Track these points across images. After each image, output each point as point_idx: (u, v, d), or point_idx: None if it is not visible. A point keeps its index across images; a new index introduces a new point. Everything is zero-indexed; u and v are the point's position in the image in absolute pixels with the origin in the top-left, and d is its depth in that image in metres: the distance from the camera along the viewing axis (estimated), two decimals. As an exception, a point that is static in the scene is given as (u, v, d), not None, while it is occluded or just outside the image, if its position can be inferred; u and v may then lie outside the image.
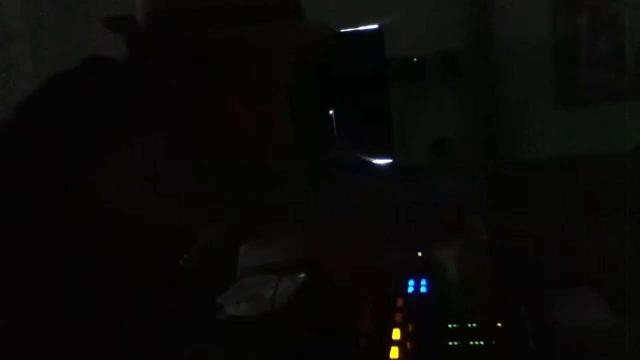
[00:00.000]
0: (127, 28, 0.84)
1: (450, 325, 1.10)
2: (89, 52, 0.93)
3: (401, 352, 1.02)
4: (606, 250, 2.41)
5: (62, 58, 0.92)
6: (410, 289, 1.29)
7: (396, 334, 1.07)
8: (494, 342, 1.05)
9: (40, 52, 3.71)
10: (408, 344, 1.05)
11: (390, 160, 4.65)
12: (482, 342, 1.06)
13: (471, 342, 1.06)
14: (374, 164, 4.25)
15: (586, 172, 4.11)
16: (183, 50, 0.81)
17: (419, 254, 1.39)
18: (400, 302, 1.23)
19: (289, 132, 0.93)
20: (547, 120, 4.79)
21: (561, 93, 4.81)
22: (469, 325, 1.10)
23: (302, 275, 1.59)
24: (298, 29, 0.85)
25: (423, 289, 1.28)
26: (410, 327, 1.10)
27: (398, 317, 1.15)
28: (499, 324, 1.10)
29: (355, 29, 4.45)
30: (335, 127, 4.53)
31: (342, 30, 4.33)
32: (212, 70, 0.82)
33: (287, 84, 0.89)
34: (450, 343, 1.05)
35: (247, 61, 0.82)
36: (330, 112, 4.50)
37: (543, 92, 4.80)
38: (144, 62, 0.82)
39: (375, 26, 4.36)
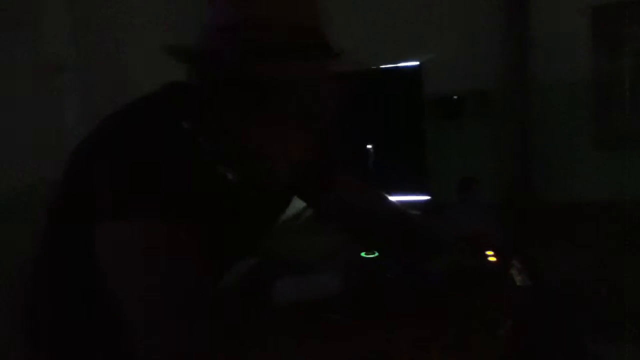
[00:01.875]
0: (189, 59, 0.91)
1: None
2: (136, 82, 0.97)
3: None
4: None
5: (110, 88, 0.96)
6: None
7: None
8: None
9: (90, 82, 3.81)
10: None
11: (428, 197, 4.63)
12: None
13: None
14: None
15: (625, 215, 4.02)
16: (233, 82, 0.88)
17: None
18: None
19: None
20: (584, 161, 4.72)
21: (599, 135, 4.75)
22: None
23: (338, 314, 1.57)
24: (327, 65, 0.92)
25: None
26: None
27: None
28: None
29: (395, 65, 4.50)
30: (372, 161, 4.54)
31: (382, 67, 4.37)
32: (258, 101, 0.89)
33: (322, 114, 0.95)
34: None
35: (288, 92, 0.89)
36: (369, 146, 4.51)
37: (581, 133, 4.74)
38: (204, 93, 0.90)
39: (415, 63, 4.39)
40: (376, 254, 1.58)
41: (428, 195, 4.95)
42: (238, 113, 0.88)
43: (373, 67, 4.36)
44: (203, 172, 0.91)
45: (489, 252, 1.55)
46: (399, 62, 4.51)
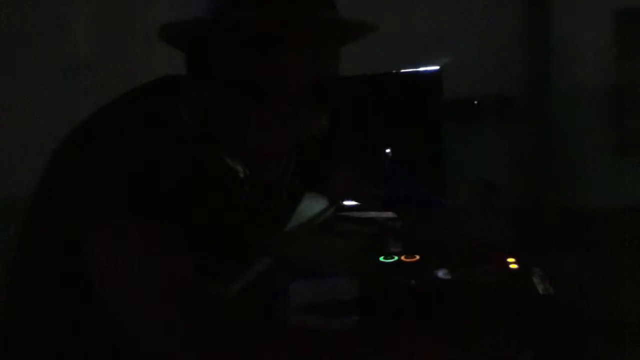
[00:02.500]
0: (182, 34, 0.88)
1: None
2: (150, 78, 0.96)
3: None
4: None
5: (127, 86, 0.95)
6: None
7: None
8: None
9: (108, 81, 3.84)
10: None
11: (441, 201, 4.58)
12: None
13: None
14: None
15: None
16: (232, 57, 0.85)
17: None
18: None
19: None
20: (606, 168, 4.66)
21: (621, 142, 4.68)
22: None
23: (353, 317, 1.56)
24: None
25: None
26: None
27: None
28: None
29: (415, 69, 4.45)
30: (388, 166, 4.50)
31: (402, 71, 4.35)
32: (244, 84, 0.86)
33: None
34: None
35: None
36: (387, 150, 4.49)
37: (602, 140, 4.68)
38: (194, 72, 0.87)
39: (436, 68, 4.36)
40: (395, 258, 1.56)
41: (446, 199, 4.91)
42: (234, 107, 0.85)
43: (393, 71, 4.32)
44: (202, 168, 0.87)
45: (510, 260, 1.53)
46: (419, 67, 4.46)
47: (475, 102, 4.70)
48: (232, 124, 0.87)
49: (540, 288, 1.32)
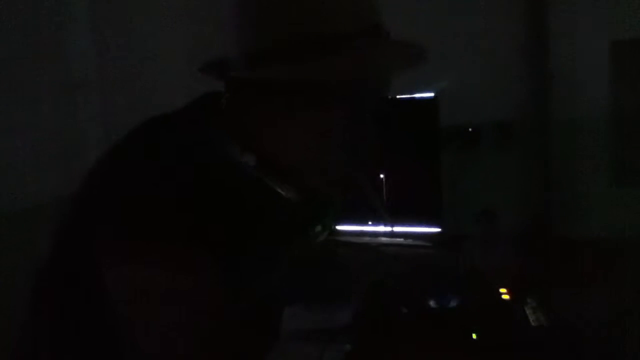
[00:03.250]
0: (223, 71, 0.85)
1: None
2: (155, 100, 0.95)
3: None
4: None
5: (128, 106, 0.93)
6: None
7: None
8: None
9: (107, 99, 3.84)
10: None
11: (438, 229, 4.56)
12: None
13: None
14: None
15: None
16: (272, 89, 0.82)
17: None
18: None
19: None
20: (602, 198, 4.66)
21: (618, 172, 4.69)
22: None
23: (349, 346, 1.53)
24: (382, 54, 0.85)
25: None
26: None
27: None
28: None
29: (411, 96, 4.48)
30: (385, 192, 4.50)
31: (397, 97, 4.37)
32: (297, 103, 0.83)
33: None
34: None
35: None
36: (381, 176, 4.48)
37: (599, 170, 4.68)
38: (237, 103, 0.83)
39: (431, 94, 4.37)
40: (408, 286, 1.54)
41: (443, 227, 4.89)
42: (281, 120, 0.82)
43: (388, 97, 4.36)
44: (238, 190, 0.84)
45: (503, 290, 1.51)
46: (415, 93, 4.48)
47: (470, 129, 4.72)
48: (269, 133, 0.84)
49: (532, 319, 1.30)
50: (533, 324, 1.28)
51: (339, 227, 4.63)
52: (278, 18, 0.80)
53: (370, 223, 5.01)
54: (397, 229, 4.72)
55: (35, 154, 3.41)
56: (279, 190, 0.86)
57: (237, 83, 0.83)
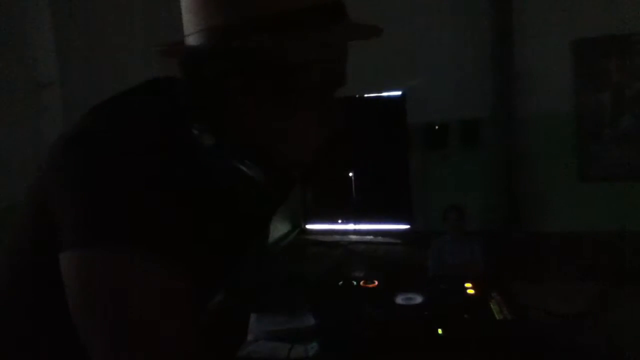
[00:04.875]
0: (182, 50, 0.82)
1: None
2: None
3: None
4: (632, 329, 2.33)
5: (92, 104, 0.90)
6: None
7: None
8: None
9: (71, 98, 3.78)
10: None
11: (407, 226, 4.62)
12: None
13: None
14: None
15: (604, 247, 4.03)
16: (235, 61, 0.79)
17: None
18: None
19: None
20: (567, 193, 4.75)
21: (582, 167, 4.79)
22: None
23: (315, 344, 1.53)
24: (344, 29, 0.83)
25: None
26: None
27: None
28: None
29: (379, 94, 4.51)
30: (354, 190, 4.53)
31: (365, 96, 4.39)
32: (260, 78, 0.80)
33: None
34: None
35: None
36: (350, 174, 4.51)
37: (564, 166, 4.78)
38: (198, 78, 0.80)
39: (398, 93, 4.41)
40: (376, 283, 1.54)
41: (411, 224, 4.93)
42: (250, 102, 0.80)
43: (356, 96, 4.36)
44: (213, 180, 0.81)
45: (468, 285, 1.53)
46: (383, 91, 4.52)
47: (437, 126, 4.76)
48: (263, 127, 0.81)
49: (497, 313, 1.32)
50: (498, 317, 1.30)
51: (308, 226, 4.64)
52: None
53: (340, 221, 5.05)
54: (367, 226, 4.76)
55: (0, 155, 3.34)
56: (242, 168, 0.82)
57: (198, 62, 0.81)
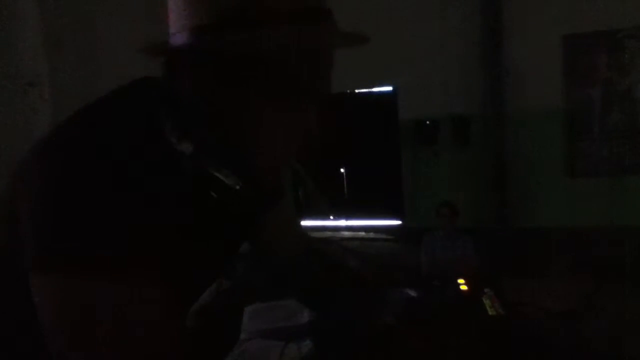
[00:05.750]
0: (165, 49, 0.80)
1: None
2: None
3: None
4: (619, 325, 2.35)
5: (80, 103, 0.88)
6: None
7: None
8: None
9: (59, 97, 3.76)
10: None
11: (399, 222, 4.63)
12: None
13: None
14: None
15: (594, 242, 4.06)
16: (215, 63, 0.78)
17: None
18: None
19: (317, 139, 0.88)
20: (556, 189, 4.78)
21: (571, 163, 4.82)
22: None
23: (308, 342, 1.54)
24: (329, 35, 0.82)
25: None
26: None
27: None
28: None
29: (370, 90, 4.52)
30: (346, 186, 4.53)
31: (357, 91, 4.39)
32: (243, 80, 0.79)
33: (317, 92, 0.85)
34: None
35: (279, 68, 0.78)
36: (342, 170, 4.51)
37: (553, 161, 4.80)
38: (179, 79, 0.79)
39: (390, 88, 4.41)
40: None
41: (403, 220, 4.94)
42: (228, 100, 0.78)
43: (348, 91, 4.36)
44: (187, 186, 0.79)
45: (460, 281, 1.53)
46: (374, 87, 4.52)
47: (427, 122, 4.77)
48: (239, 129, 0.79)
49: (489, 309, 1.32)
50: (490, 313, 1.30)
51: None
52: None
53: (331, 218, 5.06)
54: (359, 222, 4.77)
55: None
56: (219, 176, 0.81)
57: (179, 62, 0.79)
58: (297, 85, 0.77)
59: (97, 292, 0.66)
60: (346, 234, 4.87)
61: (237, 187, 0.79)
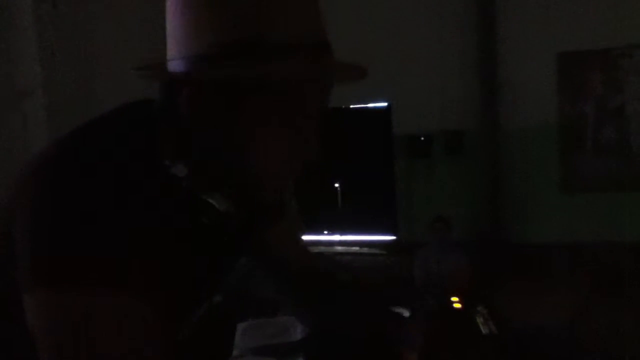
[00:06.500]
0: (164, 74, 0.80)
1: None
2: (100, 104, 0.90)
3: None
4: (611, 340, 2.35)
5: (74, 112, 0.87)
6: None
7: None
8: None
9: (54, 106, 3.75)
10: None
11: (393, 237, 4.62)
12: None
13: None
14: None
15: (587, 258, 4.06)
16: (217, 89, 0.78)
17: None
18: None
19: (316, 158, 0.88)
20: (549, 204, 4.79)
21: (564, 179, 4.83)
22: None
23: (301, 359, 1.52)
24: (329, 67, 0.83)
25: None
26: None
27: None
28: None
29: (364, 105, 4.52)
30: (339, 201, 4.53)
31: (351, 107, 4.40)
32: (243, 106, 0.79)
33: (317, 116, 0.85)
34: None
35: (284, 96, 0.79)
36: (336, 185, 4.50)
37: (547, 177, 4.82)
38: (178, 104, 0.79)
39: (384, 104, 4.43)
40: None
41: (397, 235, 4.94)
42: (227, 126, 0.79)
43: (342, 107, 4.37)
44: (171, 203, 0.79)
45: (454, 299, 1.53)
46: (368, 103, 4.53)
47: (421, 137, 4.78)
48: (222, 141, 0.80)
49: (483, 328, 1.32)
50: (484, 332, 1.30)
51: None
52: (228, 22, 0.78)
53: (325, 232, 5.04)
54: (352, 237, 4.76)
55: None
56: (212, 202, 0.81)
57: (178, 88, 0.80)
58: (298, 111, 0.78)
59: (91, 309, 0.66)
60: (339, 248, 4.86)
61: (230, 212, 0.80)
